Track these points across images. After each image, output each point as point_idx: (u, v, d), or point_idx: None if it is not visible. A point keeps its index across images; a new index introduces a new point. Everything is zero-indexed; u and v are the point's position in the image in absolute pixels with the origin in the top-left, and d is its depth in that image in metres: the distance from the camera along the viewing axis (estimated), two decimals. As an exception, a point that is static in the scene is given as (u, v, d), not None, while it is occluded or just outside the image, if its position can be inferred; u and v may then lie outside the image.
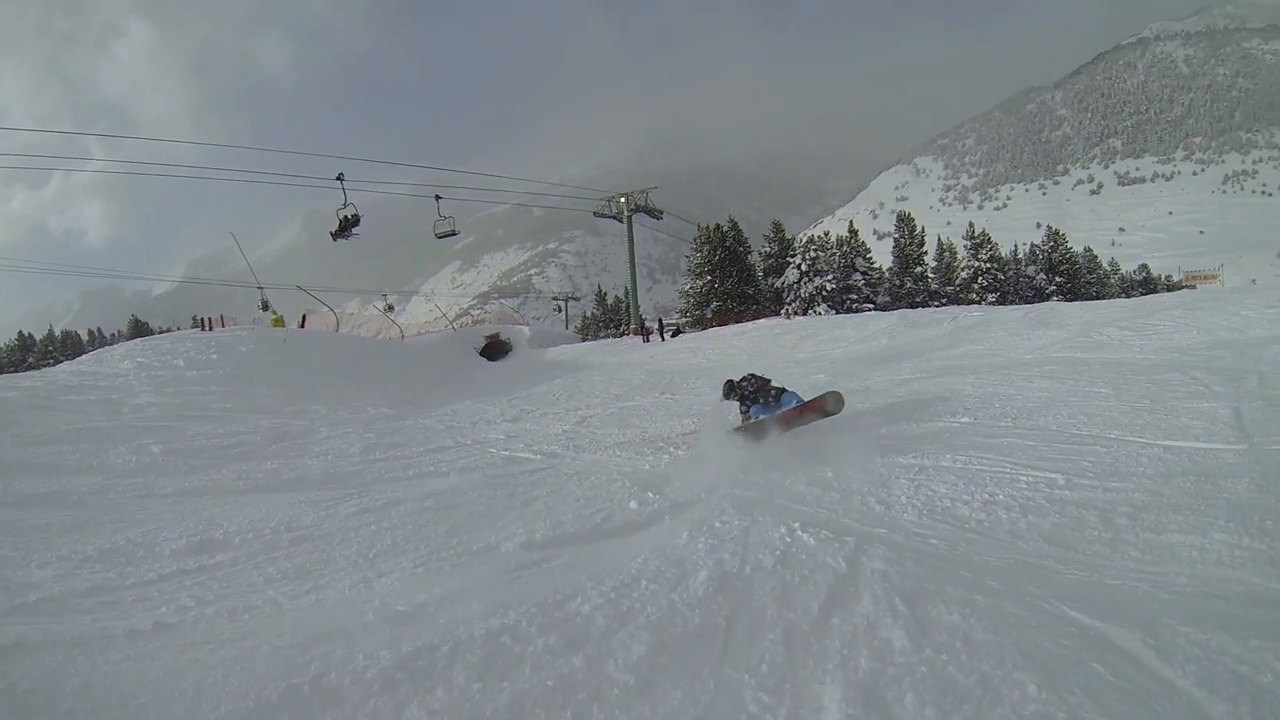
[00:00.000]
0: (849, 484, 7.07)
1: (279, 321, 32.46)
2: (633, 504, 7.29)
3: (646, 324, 41.22)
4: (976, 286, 50.18)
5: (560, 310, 70.60)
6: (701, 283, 50.18)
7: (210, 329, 29.16)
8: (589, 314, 76.60)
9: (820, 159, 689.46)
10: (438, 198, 35.15)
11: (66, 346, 79.04)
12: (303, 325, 33.65)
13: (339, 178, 29.82)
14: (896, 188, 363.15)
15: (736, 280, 49.41)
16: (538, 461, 10.23)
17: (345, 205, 30.25)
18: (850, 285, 47.15)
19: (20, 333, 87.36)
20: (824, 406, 9.09)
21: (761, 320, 35.30)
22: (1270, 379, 9.75)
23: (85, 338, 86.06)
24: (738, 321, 38.23)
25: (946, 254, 55.47)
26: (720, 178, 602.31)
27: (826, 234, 50.75)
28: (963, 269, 52.80)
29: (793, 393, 10.08)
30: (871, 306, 42.94)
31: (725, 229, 50.71)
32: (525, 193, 45.07)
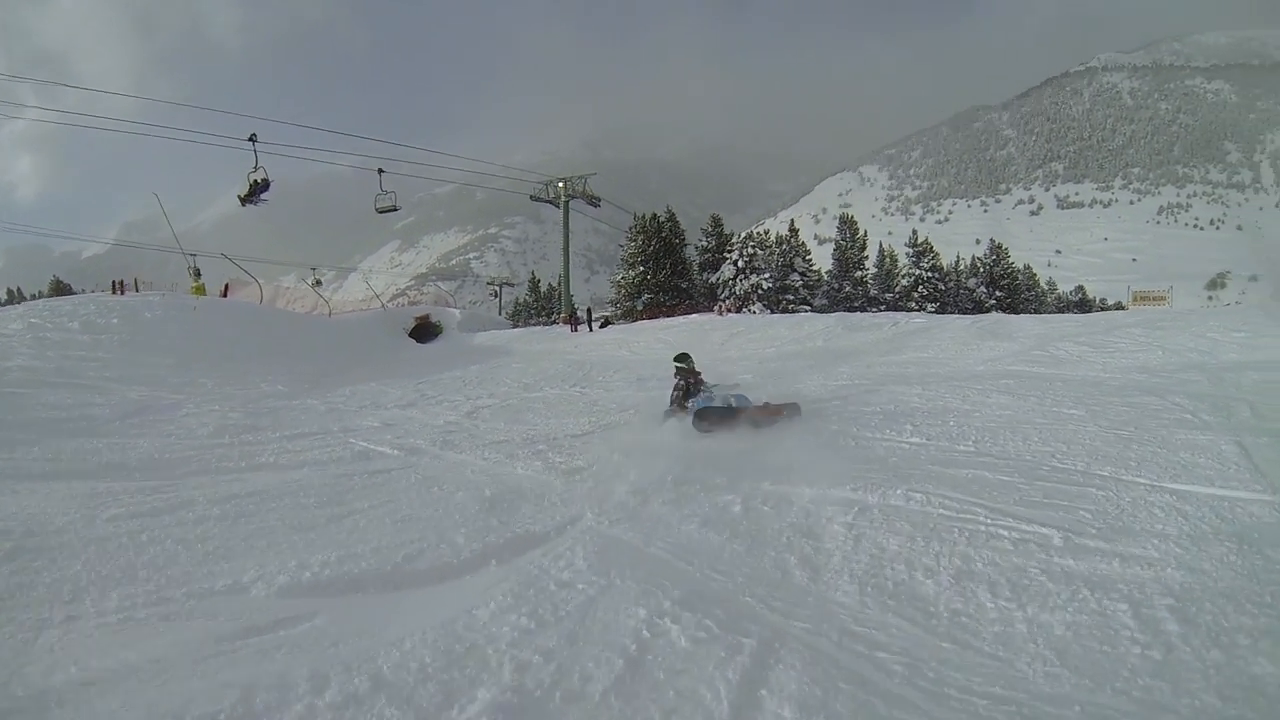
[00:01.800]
0: (762, 527, 5.26)
1: (200, 290, 31.18)
2: (460, 536, 5.50)
3: (577, 314, 39.42)
4: (916, 295, 49.24)
5: (496, 295, 68.23)
6: (634, 273, 48.27)
7: (124, 293, 28.50)
8: (521, 300, 74.28)
9: (764, 159, 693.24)
10: (380, 171, 34.36)
11: (-23, 305, 72.64)
12: (224, 295, 32.34)
13: (251, 139, 28.64)
14: (840, 194, 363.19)
15: (670, 273, 47.58)
16: (393, 459, 8.85)
17: (256, 169, 29.12)
18: (787, 285, 45.73)
19: None
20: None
21: (693, 315, 33.61)
22: (1264, 409, 8.38)
23: (3, 298, 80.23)
24: (669, 315, 36.60)
25: (888, 261, 54.57)
26: (663, 172, 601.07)
27: (766, 232, 49.20)
28: (903, 276, 51.90)
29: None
30: (808, 309, 41.41)
31: (662, 220, 48.95)
32: (469, 173, 42.50)
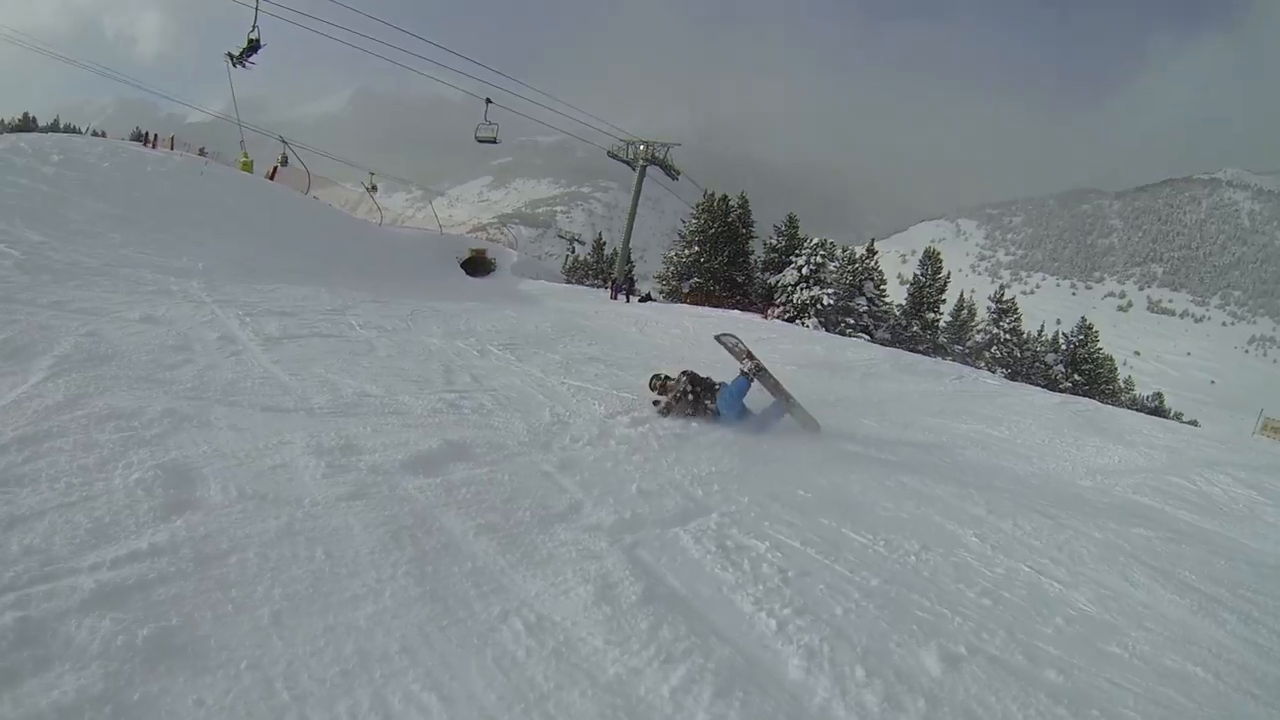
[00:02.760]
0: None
1: (247, 165, 30.34)
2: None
3: (619, 282, 35.52)
4: (989, 355, 43.67)
5: (571, 251, 64.03)
6: (688, 252, 43.51)
7: (154, 145, 28.57)
8: (581, 258, 69.55)
9: (864, 187, 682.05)
10: (488, 101, 33.50)
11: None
12: (272, 176, 31.06)
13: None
14: (934, 240, 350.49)
15: (727, 262, 42.56)
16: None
17: (254, 28, 27.21)
18: (851, 308, 40.49)
19: (26, 114, 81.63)
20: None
21: (735, 311, 28.74)
22: None
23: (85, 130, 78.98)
24: (714, 306, 31.82)
25: (965, 312, 48.98)
26: (760, 174, 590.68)
27: (845, 250, 43.89)
28: (978, 331, 46.36)
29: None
30: (867, 339, 35.97)
31: (733, 203, 43.92)
32: (563, 117, 38.21)
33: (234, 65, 27.74)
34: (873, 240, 45.83)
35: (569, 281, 41.16)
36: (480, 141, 34.89)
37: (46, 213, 13.54)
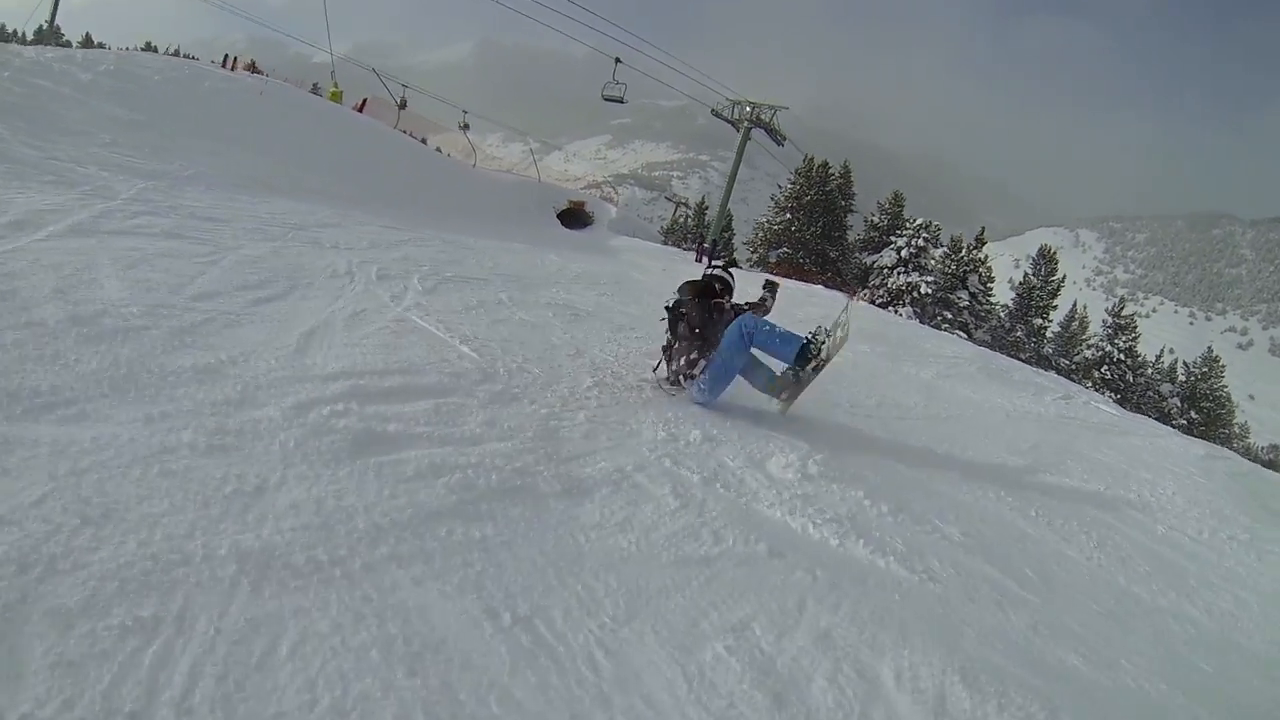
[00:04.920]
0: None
1: (336, 96, 29.37)
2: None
3: (704, 245, 32.40)
4: (1098, 374, 38.45)
5: (687, 214, 60.97)
6: (779, 220, 39.50)
7: (232, 68, 27.86)
8: (681, 221, 65.86)
9: (982, 185, 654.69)
10: (617, 60, 33.20)
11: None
12: (360, 109, 29.89)
13: None
14: (1050, 247, 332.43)
15: (820, 235, 38.35)
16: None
17: None
18: (951, 300, 35.79)
19: (148, 43, 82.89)
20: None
21: (818, 287, 24.93)
22: None
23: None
24: (804, 280, 27.93)
25: (1075, 323, 43.63)
26: (880, 160, 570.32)
27: (955, 238, 38.87)
28: (1089, 347, 41.05)
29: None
30: (964, 336, 31.30)
31: (833, 170, 39.58)
32: (690, 86, 35.41)
33: None
34: (983, 229, 40.35)
35: (665, 243, 38.16)
36: (607, 100, 34.41)
37: (40, 111, 12.44)
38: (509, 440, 3.87)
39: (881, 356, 10.58)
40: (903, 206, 40.04)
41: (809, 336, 5.30)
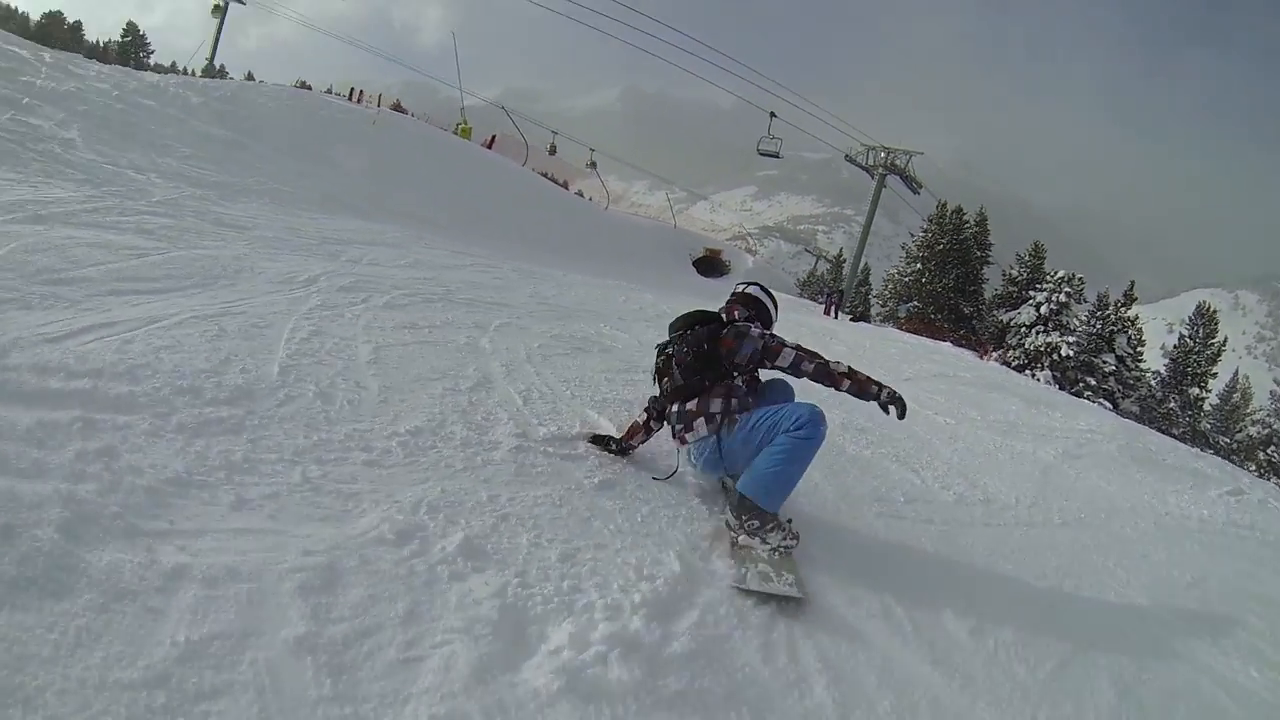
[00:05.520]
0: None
1: (466, 132, 30.20)
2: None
3: (831, 295, 30.66)
4: (1263, 456, 33.56)
5: (814, 265, 59.82)
6: (910, 271, 36.70)
7: (359, 101, 29.13)
8: (818, 273, 63.25)
9: (1132, 242, 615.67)
10: (772, 115, 33.02)
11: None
12: (489, 145, 30.69)
13: None
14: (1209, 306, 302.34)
15: (954, 288, 35.24)
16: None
17: None
18: (1095, 365, 31.88)
19: (303, 81, 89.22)
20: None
21: (945, 344, 22.44)
22: None
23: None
24: (933, 336, 25.55)
25: (1237, 395, 38.58)
26: (1019, 212, 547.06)
27: (1101, 295, 34.69)
28: (1254, 423, 36.09)
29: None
30: (1107, 406, 27.39)
31: (967, 217, 36.50)
32: (827, 132, 34.28)
33: None
34: (1132, 284, 35.98)
35: (800, 295, 36.39)
36: (763, 155, 34.07)
37: (131, 125, 12.76)
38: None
39: (991, 427, 8.36)
40: (1043, 259, 36.10)
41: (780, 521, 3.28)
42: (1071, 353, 30.64)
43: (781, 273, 42.66)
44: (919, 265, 36.63)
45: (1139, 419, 27.00)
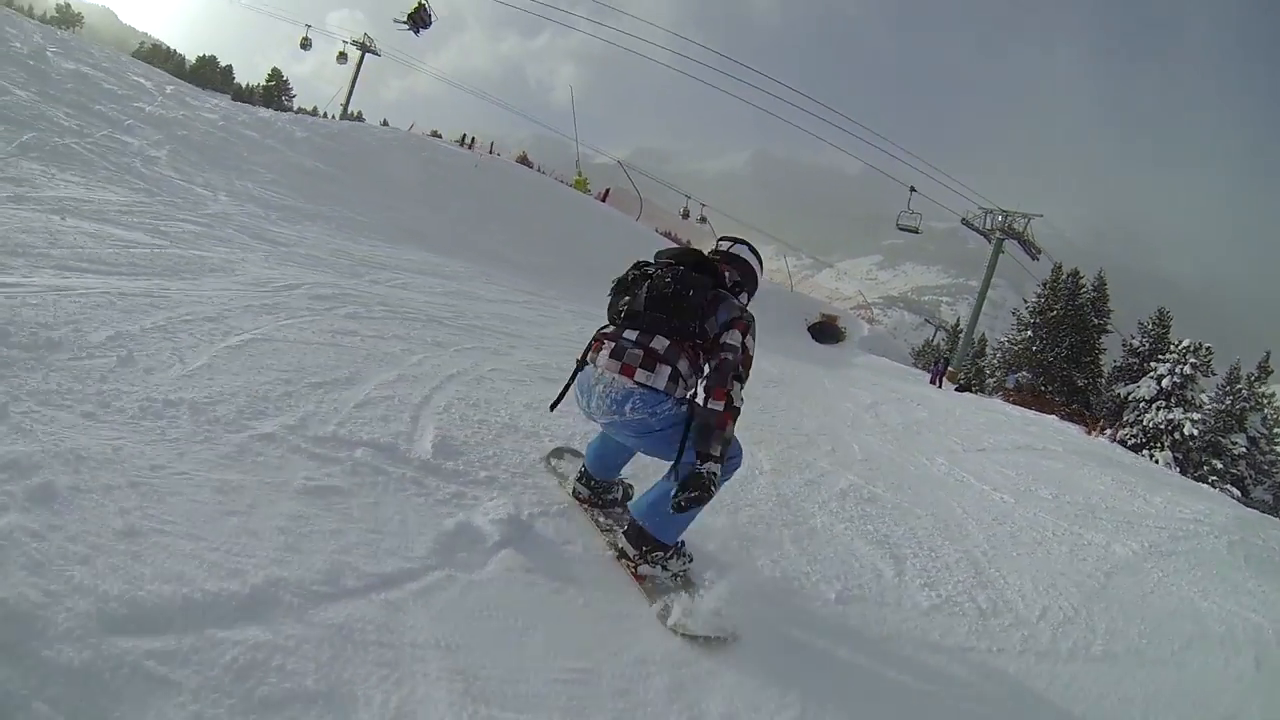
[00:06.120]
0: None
1: (582, 184, 30.15)
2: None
3: (938, 365, 29.03)
4: None
5: (933, 335, 57.38)
6: (1021, 339, 34.39)
7: (471, 147, 30.08)
8: (933, 343, 60.55)
9: (1269, 312, 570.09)
10: (912, 189, 32.20)
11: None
12: (603, 199, 30.72)
13: None
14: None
15: (1068, 357, 32.67)
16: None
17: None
18: (1222, 446, 28.53)
19: (435, 131, 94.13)
20: None
21: (1051, 417, 20.48)
22: None
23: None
24: (1041, 409, 23.18)
25: None
26: (1150, 279, 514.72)
27: (1233, 368, 30.93)
28: None
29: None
30: (1236, 495, 24.24)
31: (1083, 280, 34.01)
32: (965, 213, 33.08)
33: (410, 28, 29.24)
34: (1267, 355, 31.86)
35: (914, 364, 34.81)
36: (902, 230, 33.34)
37: (222, 150, 13.05)
38: None
39: (1061, 509, 6.97)
40: (1168, 327, 32.54)
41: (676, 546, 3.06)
42: (1196, 431, 27.49)
43: (896, 341, 41.25)
44: (1029, 332, 34.23)
45: (1272, 510, 23.68)
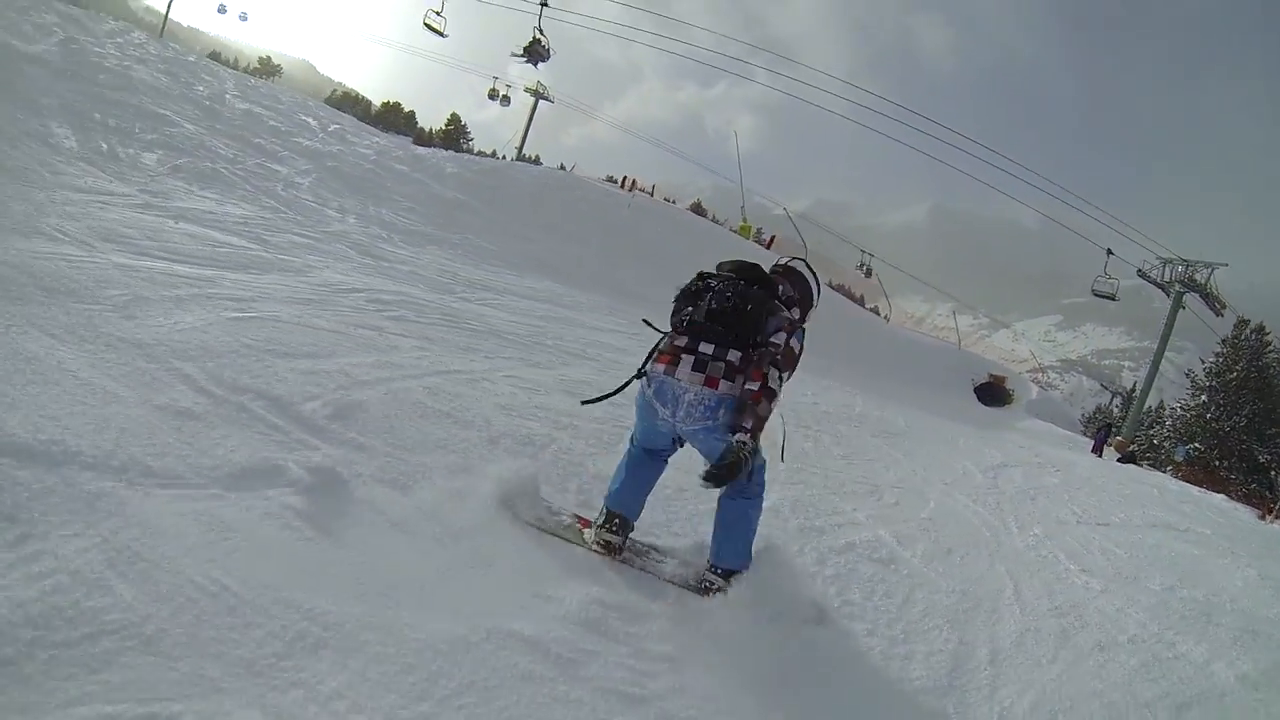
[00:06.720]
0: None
1: (746, 230, 29.99)
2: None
3: (1101, 432, 27.08)
4: None
5: (1110, 400, 55.29)
6: (1195, 405, 31.11)
7: (630, 190, 29.15)
8: (1106, 409, 55.58)
9: None
10: (1109, 252, 29.98)
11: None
12: (768, 246, 30.43)
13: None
14: None
15: (1246, 426, 29.16)
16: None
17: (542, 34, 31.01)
18: None
19: (610, 176, 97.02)
20: None
21: (1221, 498, 18.09)
22: None
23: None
24: (1211, 487, 20.62)
25: None
26: None
27: None
28: None
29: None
30: None
31: (1272, 340, 30.35)
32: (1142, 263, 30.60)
33: (527, 60, 31.10)
34: None
35: (1083, 432, 31.91)
36: (1097, 295, 31.52)
37: (367, 181, 13.95)
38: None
39: (1169, 610, 5.05)
40: None
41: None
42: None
43: (1066, 407, 38.04)
44: (1205, 398, 30.93)
45: None
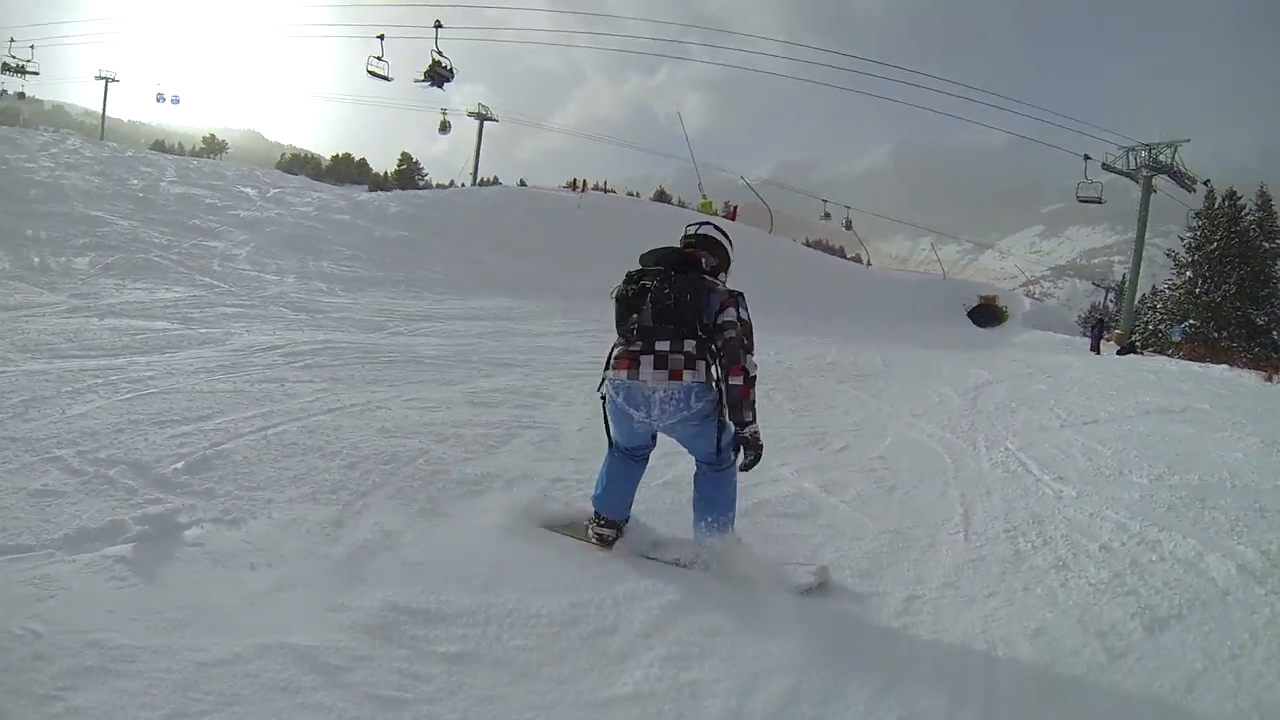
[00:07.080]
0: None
1: (707, 206, 30.03)
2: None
3: (1096, 328, 26.76)
4: None
5: (1105, 296, 53.80)
6: (1180, 283, 30.89)
7: (580, 192, 29.63)
8: (1100, 307, 54.92)
9: None
10: (1087, 157, 29.88)
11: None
12: (732, 217, 30.19)
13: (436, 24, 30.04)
14: None
15: (1236, 293, 28.95)
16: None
17: (441, 55, 30.26)
18: None
19: (572, 180, 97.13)
20: None
21: (1219, 367, 17.74)
22: None
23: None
24: (1215, 360, 20.24)
25: None
26: None
27: None
28: None
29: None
30: None
31: (1244, 203, 30.02)
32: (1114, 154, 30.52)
33: (427, 83, 30.58)
34: None
35: (1083, 333, 31.67)
36: (1083, 201, 32.05)
37: (303, 239, 14.18)
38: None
39: (1155, 503, 4.34)
40: None
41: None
42: None
43: (1063, 311, 38.30)
44: (1189, 273, 30.73)
45: None
